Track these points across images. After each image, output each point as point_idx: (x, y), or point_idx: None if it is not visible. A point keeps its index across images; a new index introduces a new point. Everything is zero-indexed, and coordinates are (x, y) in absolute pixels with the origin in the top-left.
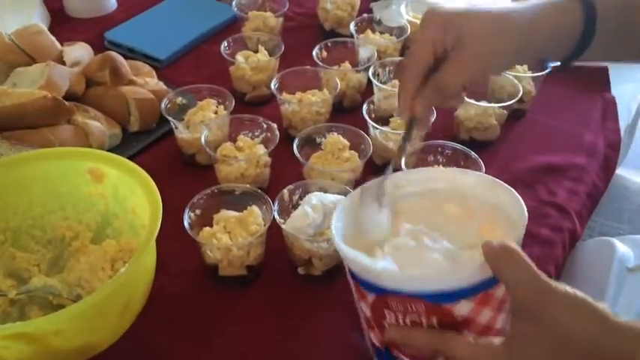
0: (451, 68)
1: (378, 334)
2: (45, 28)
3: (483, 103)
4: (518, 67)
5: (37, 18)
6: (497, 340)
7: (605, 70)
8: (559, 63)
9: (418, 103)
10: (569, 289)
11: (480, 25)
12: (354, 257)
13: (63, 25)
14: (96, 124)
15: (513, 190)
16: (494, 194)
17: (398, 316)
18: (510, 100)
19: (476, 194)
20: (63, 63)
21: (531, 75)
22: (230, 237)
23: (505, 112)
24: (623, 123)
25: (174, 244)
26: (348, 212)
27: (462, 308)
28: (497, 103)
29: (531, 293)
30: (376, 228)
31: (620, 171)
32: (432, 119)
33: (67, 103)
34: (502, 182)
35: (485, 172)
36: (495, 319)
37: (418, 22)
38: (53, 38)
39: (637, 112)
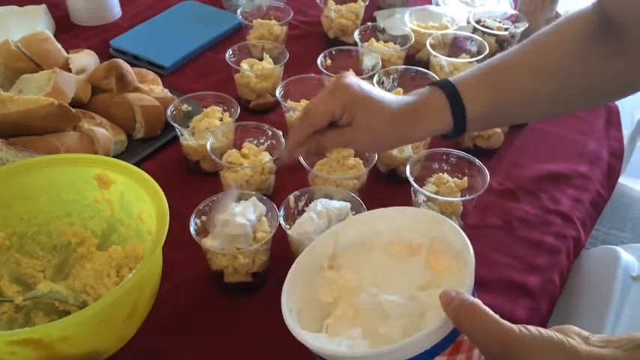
0: (336, 139)
1: None
2: (51, 35)
3: None
4: None
5: (42, 26)
6: None
7: None
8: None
9: (301, 149)
10: (533, 330)
11: (369, 119)
12: (321, 347)
13: (68, 32)
14: (101, 130)
15: (452, 222)
16: (435, 227)
17: None
18: None
19: (415, 229)
20: (69, 70)
21: None
22: None
23: None
24: (627, 131)
25: (180, 251)
26: (294, 288)
27: None
28: None
29: (499, 344)
30: (325, 289)
31: (622, 179)
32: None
33: (73, 109)
34: (441, 215)
35: (490, 180)
36: (471, 357)
37: (422, 30)
38: (59, 46)
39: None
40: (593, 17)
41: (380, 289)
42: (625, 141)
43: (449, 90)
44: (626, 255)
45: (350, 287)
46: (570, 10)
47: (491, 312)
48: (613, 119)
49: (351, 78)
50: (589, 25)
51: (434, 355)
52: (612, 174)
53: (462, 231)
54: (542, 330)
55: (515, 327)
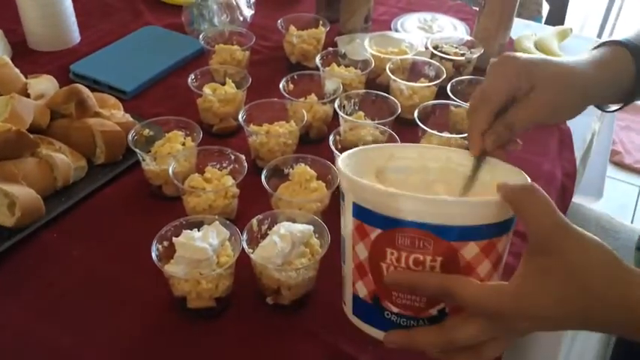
0: (522, 111)
1: (371, 281)
2: (9, 60)
3: (445, 134)
4: None
5: None
6: (504, 282)
7: None
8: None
9: (488, 138)
10: (584, 231)
11: (552, 76)
12: (368, 184)
13: (25, 58)
14: (61, 156)
15: (515, 167)
16: (491, 174)
17: (401, 254)
18: None
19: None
20: (27, 95)
21: None
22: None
23: (466, 142)
24: (578, 153)
25: (143, 277)
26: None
27: (469, 251)
28: (459, 134)
29: (551, 227)
30: None
31: (577, 199)
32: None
33: (31, 135)
34: (502, 162)
35: None
36: (491, 275)
37: (382, 55)
38: (17, 71)
39: (590, 141)
40: None
41: None
42: (577, 162)
43: (633, 49)
44: None
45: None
46: (522, 36)
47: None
48: (565, 141)
49: (515, 53)
50: None
51: (473, 236)
52: (566, 194)
53: (523, 173)
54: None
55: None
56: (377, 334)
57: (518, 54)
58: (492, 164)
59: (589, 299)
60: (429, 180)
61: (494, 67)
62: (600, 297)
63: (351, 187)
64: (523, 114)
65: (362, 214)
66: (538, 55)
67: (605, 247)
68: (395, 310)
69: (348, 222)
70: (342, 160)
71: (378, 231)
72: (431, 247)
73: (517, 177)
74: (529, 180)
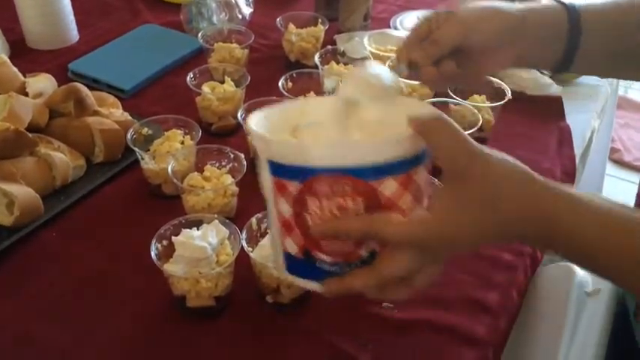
0: (442, 26)
1: (298, 235)
2: (7, 59)
3: None
4: (476, 96)
5: None
6: (425, 213)
7: (560, 99)
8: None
9: (415, 51)
10: (497, 152)
11: (467, 6)
12: (278, 139)
13: (24, 57)
14: (59, 155)
15: (428, 104)
16: (404, 110)
17: (323, 202)
18: (471, 129)
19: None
20: (26, 94)
21: (490, 105)
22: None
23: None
24: (578, 151)
25: (142, 276)
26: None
27: (387, 188)
28: None
29: (465, 156)
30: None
31: None
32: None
33: (29, 134)
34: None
35: None
36: (414, 206)
37: (381, 53)
38: (15, 69)
39: (590, 139)
40: None
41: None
42: (577, 160)
43: (571, 11)
44: (580, 271)
45: None
46: None
47: (462, 130)
48: (565, 138)
49: None
50: None
51: (389, 172)
52: None
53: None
54: (504, 154)
55: (482, 146)
56: (314, 286)
57: None
58: (406, 104)
59: (504, 224)
60: (344, 126)
61: None
62: (514, 217)
63: (264, 146)
64: (442, 29)
65: (278, 170)
66: None
67: (519, 167)
68: (326, 258)
69: (266, 181)
70: (255, 119)
71: (297, 183)
72: (350, 190)
73: (427, 110)
74: (438, 112)
